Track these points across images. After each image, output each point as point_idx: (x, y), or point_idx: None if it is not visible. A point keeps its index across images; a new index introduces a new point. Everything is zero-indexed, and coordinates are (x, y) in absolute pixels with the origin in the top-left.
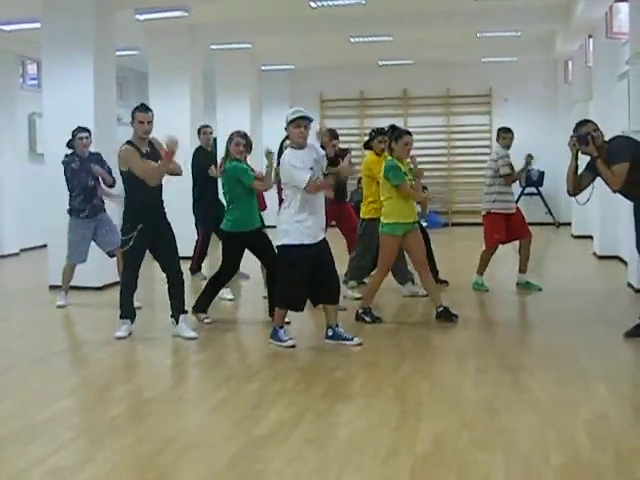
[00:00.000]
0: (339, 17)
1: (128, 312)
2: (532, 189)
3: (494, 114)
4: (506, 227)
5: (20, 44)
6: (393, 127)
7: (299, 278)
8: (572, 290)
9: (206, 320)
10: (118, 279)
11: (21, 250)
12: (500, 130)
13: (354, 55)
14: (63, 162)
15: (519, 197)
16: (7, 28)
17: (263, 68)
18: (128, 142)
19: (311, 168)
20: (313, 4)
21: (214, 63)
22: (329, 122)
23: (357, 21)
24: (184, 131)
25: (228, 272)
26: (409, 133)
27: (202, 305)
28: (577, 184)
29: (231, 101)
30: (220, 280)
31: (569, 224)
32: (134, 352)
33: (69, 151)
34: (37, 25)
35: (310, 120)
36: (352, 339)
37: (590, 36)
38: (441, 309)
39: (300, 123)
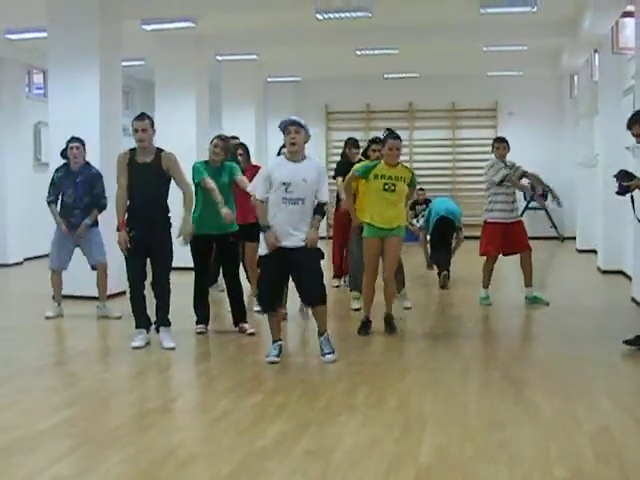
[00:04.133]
0: (345, 29)
1: (139, 321)
2: (536, 203)
3: (499, 128)
4: (505, 238)
5: (26, 53)
6: (389, 130)
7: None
8: (576, 304)
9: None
10: (118, 290)
11: (25, 259)
12: (493, 141)
13: (360, 68)
14: (52, 179)
15: (523, 211)
16: (13, 37)
17: (269, 79)
18: (131, 149)
19: (284, 183)
20: (319, 16)
21: (220, 74)
22: (335, 134)
23: (363, 33)
24: (190, 141)
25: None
26: (395, 137)
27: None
28: None
29: (237, 112)
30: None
31: (573, 238)
32: (136, 363)
33: (62, 162)
34: (43, 34)
35: (299, 125)
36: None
37: (596, 51)
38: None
39: (290, 129)
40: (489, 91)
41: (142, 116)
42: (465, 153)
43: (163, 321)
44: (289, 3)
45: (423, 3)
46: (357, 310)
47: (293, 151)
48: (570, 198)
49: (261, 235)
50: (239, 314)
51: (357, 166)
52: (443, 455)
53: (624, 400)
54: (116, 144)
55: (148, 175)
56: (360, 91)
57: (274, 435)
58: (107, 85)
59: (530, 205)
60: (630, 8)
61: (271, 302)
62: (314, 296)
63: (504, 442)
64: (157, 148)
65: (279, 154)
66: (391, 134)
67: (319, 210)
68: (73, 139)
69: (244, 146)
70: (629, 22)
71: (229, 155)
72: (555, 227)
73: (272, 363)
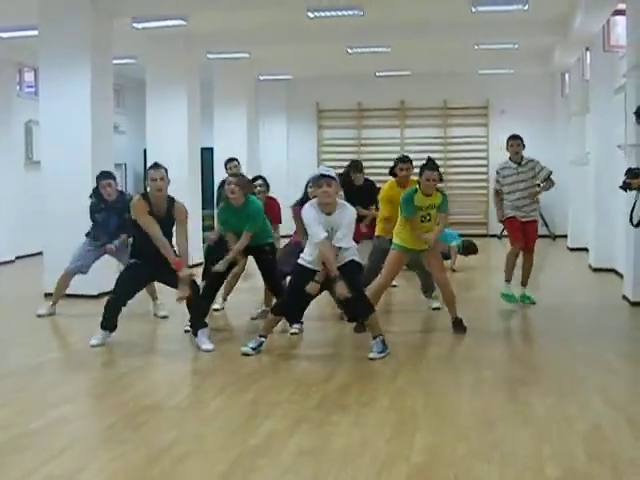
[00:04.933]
0: (337, 27)
1: (107, 324)
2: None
3: (491, 126)
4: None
5: (17, 51)
6: (427, 160)
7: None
8: (568, 303)
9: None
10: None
11: (16, 257)
12: (507, 138)
13: (352, 66)
14: (90, 206)
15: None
16: (4, 35)
17: (260, 78)
18: (143, 195)
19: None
20: (311, 14)
21: (211, 72)
22: (326, 132)
23: (355, 32)
24: (181, 139)
25: None
26: (432, 168)
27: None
28: None
29: (228, 110)
30: None
31: (565, 236)
32: (129, 361)
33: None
34: (34, 33)
35: (331, 177)
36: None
37: (587, 49)
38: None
39: (321, 182)
40: (480, 89)
41: (158, 166)
42: (457, 151)
43: (198, 324)
44: (280, 1)
45: (415, 1)
46: None
47: (326, 203)
48: (562, 196)
49: (306, 246)
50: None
51: (401, 202)
52: (435, 454)
53: (616, 399)
54: (107, 142)
55: (162, 226)
56: (351, 89)
57: (267, 433)
58: (98, 83)
59: None
60: (621, 6)
61: (288, 311)
62: (358, 313)
63: (497, 441)
64: (168, 197)
65: (306, 193)
66: (428, 165)
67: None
68: (103, 175)
69: (263, 179)
70: (620, 20)
71: (248, 190)
72: (547, 225)
73: (245, 355)
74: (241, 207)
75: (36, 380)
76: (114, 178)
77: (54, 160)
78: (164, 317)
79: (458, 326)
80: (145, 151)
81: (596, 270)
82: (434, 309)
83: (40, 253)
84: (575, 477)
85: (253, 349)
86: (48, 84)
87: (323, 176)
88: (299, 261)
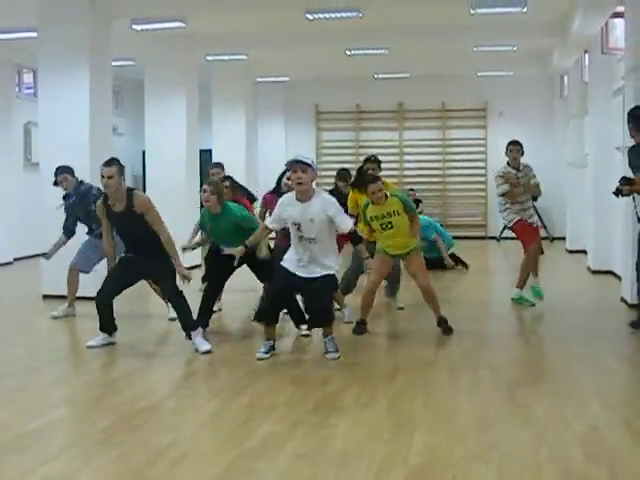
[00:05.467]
0: (335, 29)
1: (102, 326)
2: None
3: (490, 128)
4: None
5: (16, 53)
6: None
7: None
8: (566, 305)
9: None
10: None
11: (15, 259)
12: (507, 144)
13: (350, 68)
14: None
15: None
16: (3, 37)
17: (259, 80)
18: (104, 197)
19: (294, 223)
20: (309, 16)
21: (210, 74)
22: (325, 134)
23: (353, 34)
24: (180, 141)
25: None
26: (374, 180)
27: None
28: None
29: (226, 112)
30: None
31: (563, 239)
32: (127, 363)
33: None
34: (33, 34)
35: (306, 164)
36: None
37: (586, 51)
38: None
39: (296, 167)
40: (479, 91)
41: (110, 162)
42: (455, 153)
43: (188, 327)
44: (279, 3)
45: (413, 3)
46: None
47: (300, 191)
48: (560, 198)
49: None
50: (297, 317)
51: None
52: (433, 456)
53: (614, 400)
54: (106, 144)
55: (127, 224)
56: (350, 91)
57: (264, 436)
58: (97, 85)
59: None
60: (620, 9)
61: (266, 315)
62: (320, 321)
63: (495, 442)
64: (127, 189)
65: (279, 183)
66: (370, 179)
67: (355, 240)
68: (59, 171)
69: (230, 179)
70: (619, 23)
71: (224, 197)
72: (545, 227)
73: (259, 360)
74: (219, 214)
75: (35, 380)
76: (71, 172)
77: (53, 162)
78: (173, 320)
79: (443, 325)
80: (144, 153)
81: (595, 272)
82: (399, 309)
83: (39, 255)
84: (572, 478)
85: (266, 353)
86: (47, 85)
87: (298, 162)
88: (282, 263)
